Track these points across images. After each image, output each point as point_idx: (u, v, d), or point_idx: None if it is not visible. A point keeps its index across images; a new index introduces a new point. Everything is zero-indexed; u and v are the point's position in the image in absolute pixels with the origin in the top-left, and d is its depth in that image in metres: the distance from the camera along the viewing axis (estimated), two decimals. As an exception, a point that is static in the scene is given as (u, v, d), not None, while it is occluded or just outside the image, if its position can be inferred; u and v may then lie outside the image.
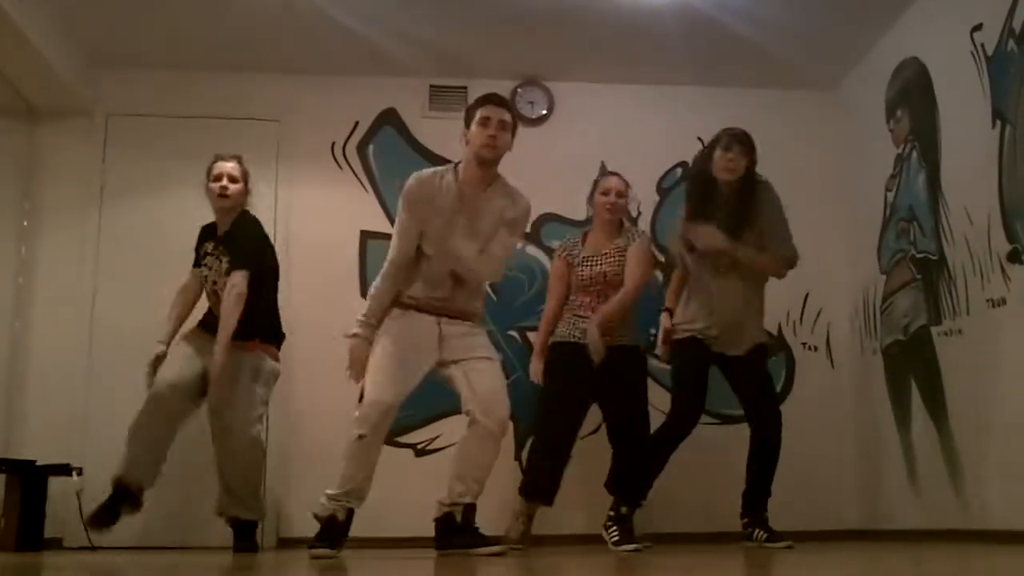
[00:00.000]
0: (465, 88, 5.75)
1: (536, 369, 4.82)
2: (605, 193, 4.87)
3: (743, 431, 4.57)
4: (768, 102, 5.86)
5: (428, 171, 4.12)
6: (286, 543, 5.18)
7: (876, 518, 5.33)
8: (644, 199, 5.69)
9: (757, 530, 4.41)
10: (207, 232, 4.80)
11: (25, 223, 5.48)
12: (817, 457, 5.39)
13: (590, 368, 4.60)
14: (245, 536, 4.62)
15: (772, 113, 5.83)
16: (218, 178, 4.67)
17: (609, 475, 4.64)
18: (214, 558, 4.08)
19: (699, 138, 5.63)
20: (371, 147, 5.74)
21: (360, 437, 3.92)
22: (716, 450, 5.06)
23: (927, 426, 4.83)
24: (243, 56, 5.56)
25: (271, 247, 4.84)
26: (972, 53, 4.45)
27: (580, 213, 5.56)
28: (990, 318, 4.32)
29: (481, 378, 4.00)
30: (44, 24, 4.92)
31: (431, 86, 5.77)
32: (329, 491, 3.93)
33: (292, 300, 5.11)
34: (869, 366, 5.45)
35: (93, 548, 4.87)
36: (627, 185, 4.91)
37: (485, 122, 4.01)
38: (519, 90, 5.81)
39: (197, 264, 4.79)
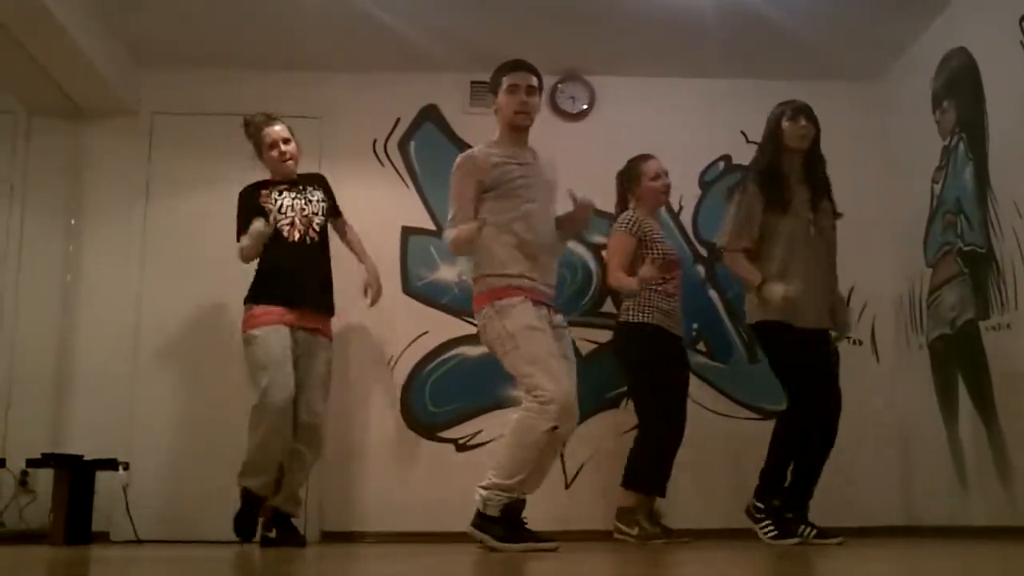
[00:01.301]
0: (506, 84, 5.75)
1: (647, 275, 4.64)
2: (655, 178, 4.91)
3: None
4: (812, 94, 5.74)
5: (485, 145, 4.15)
6: (328, 537, 5.22)
7: (922, 514, 5.26)
8: (686, 193, 5.67)
9: (805, 527, 4.37)
10: (259, 187, 4.78)
11: (72, 221, 5.56)
12: (862, 452, 5.33)
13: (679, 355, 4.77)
14: (291, 527, 4.66)
15: (816, 105, 5.71)
16: (273, 145, 4.74)
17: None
18: (267, 552, 4.11)
19: (742, 131, 5.63)
20: (412, 143, 5.75)
21: (554, 429, 3.76)
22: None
23: (974, 421, 4.76)
24: (286, 54, 5.60)
25: None
26: (1022, 43, 4.38)
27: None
28: (1039, 312, 4.25)
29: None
30: (88, 24, 4.98)
31: (472, 82, 5.76)
32: (497, 480, 3.82)
33: (334, 294, 5.13)
34: (915, 360, 5.38)
35: (140, 542, 4.95)
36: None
37: (514, 89, 4.05)
38: (560, 85, 5.79)
39: (244, 229, 4.68)
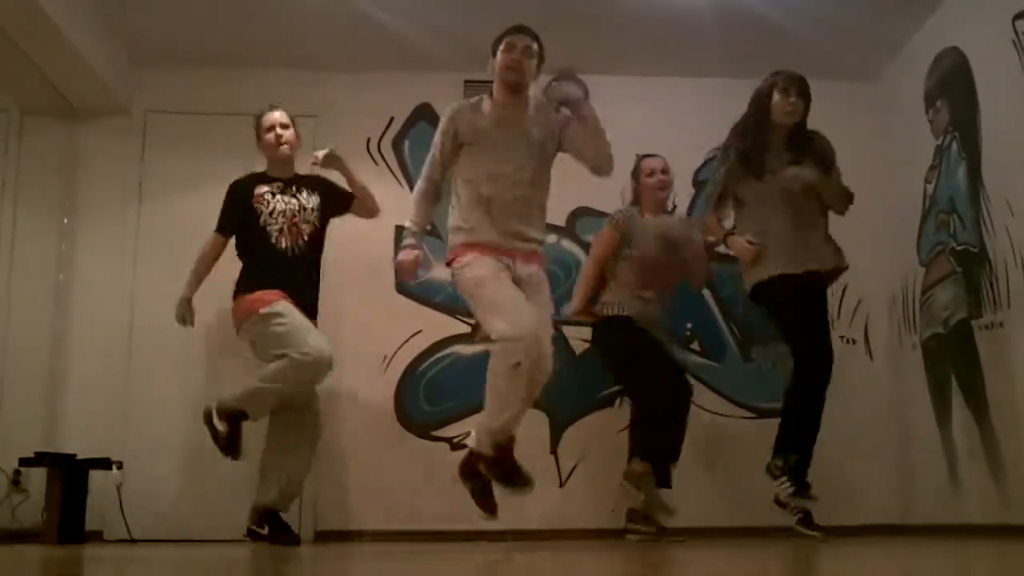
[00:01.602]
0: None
1: None
2: (651, 174, 4.96)
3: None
4: (805, 93, 5.80)
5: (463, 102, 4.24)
6: (322, 536, 5.22)
7: (914, 513, 5.28)
8: (680, 192, 5.66)
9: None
10: (251, 182, 4.77)
11: (65, 220, 5.55)
12: (855, 451, 5.34)
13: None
14: (284, 525, 4.63)
15: (812, 106, 5.77)
16: (271, 128, 4.74)
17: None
18: (261, 550, 4.11)
19: (735, 131, 5.63)
20: (406, 142, 5.75)
21: (517, 365, 3.80)
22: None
23: (967, 420, 4.77)
24: (280, 53, 5.59)
25: None
26: (1014, 42, 4.39)
27: (614, 206, 5.55)
28: (1032, 311, 4.26)
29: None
30: (83, 23, 4.97)
31: (466, 81, 5.75)
32: (484, 422, 3.93)
33: (327, 294, 5.12)
34: (908, 359, 5.39)
35: (133, 541, 4.94)
36: (666, 163, 5.04)
37: (510, 47, 4.08)
38: (553, 83, 5.78)
39: (228, 228, 4.73)
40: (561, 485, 5.32)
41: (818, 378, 4.37)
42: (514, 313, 3.87)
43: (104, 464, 4.97)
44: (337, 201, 4.88)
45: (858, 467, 5.38)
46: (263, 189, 4.73)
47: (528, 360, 3.79)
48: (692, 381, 5.06)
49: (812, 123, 4.59)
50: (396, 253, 5.50)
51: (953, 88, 4.98)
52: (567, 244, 5.61)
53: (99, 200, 5.57)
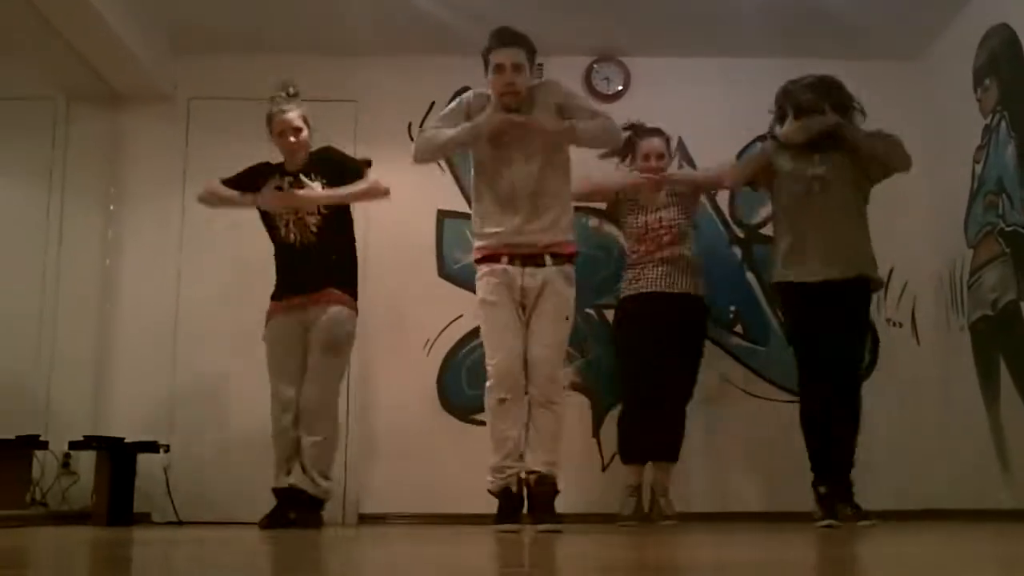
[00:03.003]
0: (541, 65, 5.69)
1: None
2: (646, 157, 4.88)
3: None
4: (851, 73, 5.68)
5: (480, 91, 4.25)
6: (364, 519, 5.26)
7: (963, 498, 5.21)
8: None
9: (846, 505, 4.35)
10: (268, 169, 4.77)
11: (111, 207, 5.62)
12: (902, 435, 5.28)
13: (659, 317, 4.70)
14: (315, 509, 4.65)
15: (855, 84, 5.65)
16: (282, 134, 4.69)
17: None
18: (297, 534, 4.14)
19: (779, 111, 5.58)
20: (447, 126, 5.73)
21: (501, 401, 4.06)
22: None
23: (1016, 404, 4.70)
24: (320, 38, 5.60)
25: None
26: (1064, 18, 4.31)
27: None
28: (1084, 292, 4.19)
29: None
30: (124, 9, 5.02)
31: (505, 64, 5.74)
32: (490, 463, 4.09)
33: (369, 279, 5.14)
34: (956, 342, 5.32)
35: (180, 523, 5.00)
36: (667, 141, 4.95)
37: (499, 69, 4.03)
38: (595, 66, 5.76)
39: (226, 180, 4.76)
40: (603, 469, 5.31)
41: (818, 396, 4.38)
42: (499, 349, 4.04)
43: (151, 447, 5.03)
44: (343, 181, 4.75)
45: (906, 451, 5.32)
46: (273, 182, 4.71)
47: (512, 395, 3.98)
48: (735, 364, 5.03)
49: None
50: (439, 238, 5.58)
51: (1002, 66, 4.89)
52: (610, 228, 5.56)
53: (144, 186, 5.63)
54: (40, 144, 5.61)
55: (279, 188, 4.69)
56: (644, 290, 4.80)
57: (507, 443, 4.02)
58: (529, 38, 4.16)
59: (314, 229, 4.68)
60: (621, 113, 5.65)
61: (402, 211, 5.54)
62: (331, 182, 4.71)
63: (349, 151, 5.23)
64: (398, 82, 5.73)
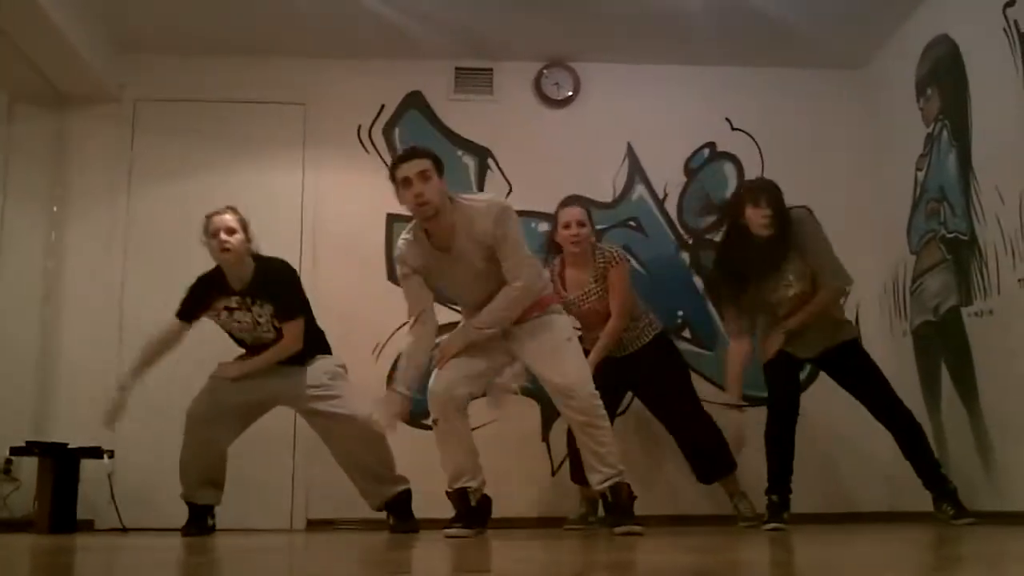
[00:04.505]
0: (491, 70, 5.76)
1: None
2: (566, 226, 4.70)
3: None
4: (796, 81, 5.82)
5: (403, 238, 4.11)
6: (313, 524, 5.23)
7: (904, 500, 5.28)
8: (671, 180, 5.68)
9: (945, 504, 4.36)
10: (213, 285, 4.53)
11: (55, 208, 5.53)
12: (845, 439, 5.35)
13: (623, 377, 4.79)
14: (407, 513, 4.69)
15: (800, 92, 5.80)
16: (215, 234, 4.39)
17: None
18: (218, 540, 4.11)
19: (727, 119, 5.66)
20: (397, 130, 5.73)
21: (436, 422, 4.11)
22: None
23: (957, 407, 4.78)
24: (269, 40, 5.57)
25: (299, 280, 4.65)
26: (1005, 30, 4.39)
27: (606, 195, 5.58)
28: (1022, 298, 4.27)
29: None
30: (71, 11, 4.95)
31: (456, 68, 5.75)
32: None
33: (319, 283, 5.13)
34: (899, 347, 5.40)
35: (124, 530, 4.93)
36: (587, 212, 4.79)
37: (406, 183, 3.88)
38: (545, 71, 5.79)
39: (188, 316, 4.54)
40: (553, 474, 5.32)
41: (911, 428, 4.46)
42: (442, 371, 4.10)
43: (95, 453, 4.96)
44: (285, 306, 4.54)
45: (848, 455, 5.39)
46: (221, 304, 4.53)
47: (440, 415, 4.04)
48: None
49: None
50: (388, 242, 5.56)
51: (944, 76, 4.98)
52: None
53: (88, 188, 5.55)
54: (-18, 145, 5.52)
55: (229, 310, 4.54)
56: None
57: (449, 466, 4.05)
58: (433, 150, 4.00)
59: (271, 339, 4.55)
60: (571, 118, 5.72)
61: (352, 215, 5.53)
62: (277, 311, 4.51)
63: (297, 155, 5.20)
64: (347, 85, 5.71)
